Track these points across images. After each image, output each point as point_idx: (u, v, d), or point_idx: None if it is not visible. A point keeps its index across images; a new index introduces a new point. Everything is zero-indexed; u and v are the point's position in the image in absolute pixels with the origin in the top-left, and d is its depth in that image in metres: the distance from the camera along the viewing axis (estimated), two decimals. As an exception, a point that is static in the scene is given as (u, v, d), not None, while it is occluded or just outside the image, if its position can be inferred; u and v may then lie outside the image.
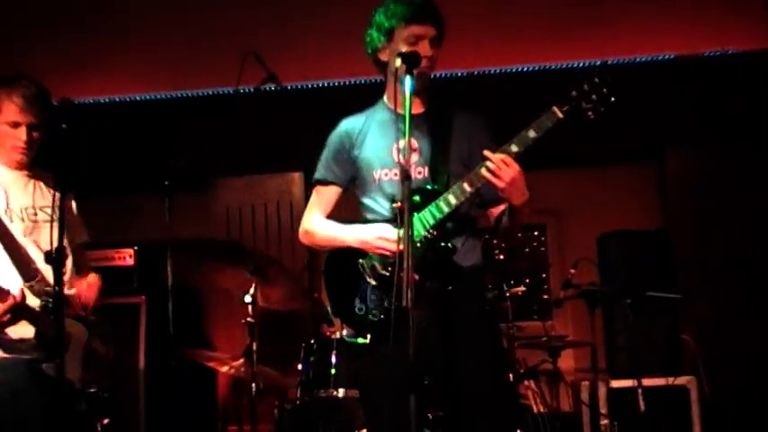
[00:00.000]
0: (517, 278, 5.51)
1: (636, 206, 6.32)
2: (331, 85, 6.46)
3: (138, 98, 6.58)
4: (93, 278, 4.16)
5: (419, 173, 3.53)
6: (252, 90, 5.02)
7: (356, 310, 3.49)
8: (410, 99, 3.17)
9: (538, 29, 6.15)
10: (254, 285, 5.35)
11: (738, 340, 5.79)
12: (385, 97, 3.66)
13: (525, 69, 6.35)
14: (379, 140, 3.54)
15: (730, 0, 6.00)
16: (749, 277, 5.76)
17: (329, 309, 3.61)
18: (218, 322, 6.46)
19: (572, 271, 5.34)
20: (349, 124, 3.64)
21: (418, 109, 3.58)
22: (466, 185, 3.34)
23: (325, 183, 3.70)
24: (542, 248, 6.47)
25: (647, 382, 5.04)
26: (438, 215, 3.37)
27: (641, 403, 4.95)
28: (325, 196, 3.72)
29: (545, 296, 5.79)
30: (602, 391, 5.28)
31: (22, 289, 3.73)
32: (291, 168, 6.55)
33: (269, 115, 6.05)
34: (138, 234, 5.86)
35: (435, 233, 3.39)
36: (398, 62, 3.22)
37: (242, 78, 4.84)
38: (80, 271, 4.21)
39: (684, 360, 5.41)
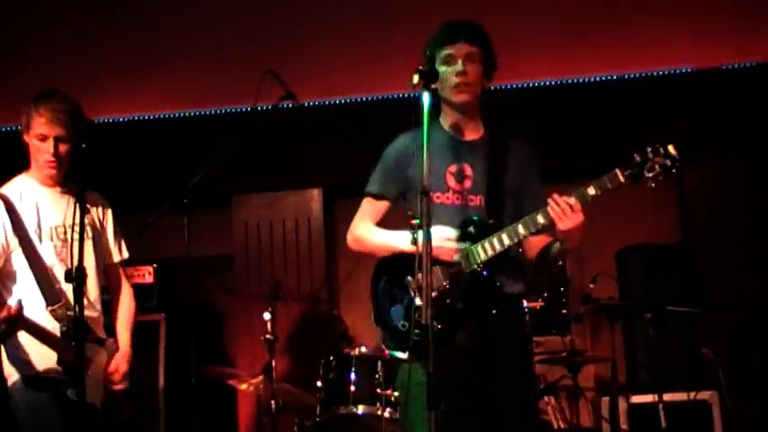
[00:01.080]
0: (536, 293, 5.48)
1: (655, 221, 6.30)
2: (349, 101, 6.45)
3: (158, 116, 6.63)
4: (124, 343, 4.18)
5: (471, 200, 3.60)
6: (270, 107, 5.07)
7: (399, 325, 3.54)
8: (428, 116, 3.19)
9: (553, 44, 6.16)
10: (273, 302, 5.39)
11: (761, 354, 5.75)
12: (441, 119, 3.72)
13: (540, 84, 6.35)
14: (433, 162, 3.49)
15: (749, 11, 5.97)
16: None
17: (372, 315, 3.65)
18: (238, 339, 6.49)
19: (591, 285, 5.35)
20: (406, 141, 3.66)
21: (476, 135, 3.69)
22: (521, 228, 3.42)
23: (376, 197, 3.76)
24: (560, 263, 6.44)
25: (668, 397, 5.02)
26: (490, 252, 3.44)
27: (663, 419, 4.93)
28: (375, 209, 3.78)
29: (564, 311, 5.74)
30: (622, 406, 5.28)
31: (19, 301, 3.75)
32: (310, 185, 6.56)
33: (287, 132, 6.11)
34: (157, 251, 5.87)
35: (484, 267, 3.46)
36: (415, 79, 3.21)
37: (260, 96, 4.88)
38: (113, 291, 4.27)
39: (706, 375, 5.38)
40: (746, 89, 6.06)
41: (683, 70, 6.18)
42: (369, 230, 3.77)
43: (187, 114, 6.63)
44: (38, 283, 3.92)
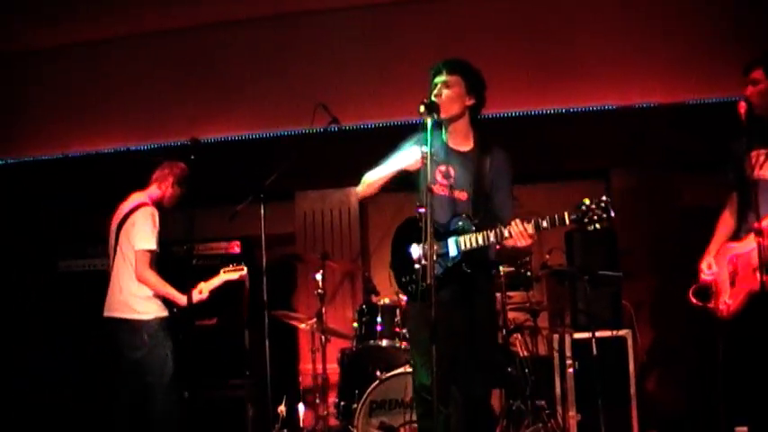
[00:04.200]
0: (508, 261, 5.55)
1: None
2: (377, 125, 6.36)
3: (243, 137, 6.59)
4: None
5: (456, 193, 3.57)
6: (321, 129, 5.18)
7: (402, 279, 3.60)
8: (431, 135, 3.26)
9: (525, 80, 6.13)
10: (322, 267, 5.51)
11: (661, 306, 5.76)
12: (443, 131, 3.67)
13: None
14: (432, 160, 3.44)
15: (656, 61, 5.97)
16: (668, 263, 5.65)
17: (390, 262, 3.64)
18: (298, 292, 6.46)
19: (547, 256, 5.37)
20: (413, 142, 3.54)
21: (465, 146, 3.62)
22: (492, 237, 3.39)
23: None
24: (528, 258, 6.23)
25: (598, 334, 5.01)
26: (475, 244, 3.44)
27: (594, 349, 4.92)
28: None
29: (528, 273, 5.76)
30: (567, 340, 5.26)
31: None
32: (349, 185, 6.55)
33: (333, 147, 6.00)
34: (242, 230, 5.98)
35: (466, 254, 3.46)
36: (422, 108, 3.29)
37: (314, 121, 5.00)
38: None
39: (624, 319, 5.35)
40: (652, 121, 5.96)
41: (609, 107, 5.98)
42: (369, 174, 3.67)
43: (262, 135, 6.57)
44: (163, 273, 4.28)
